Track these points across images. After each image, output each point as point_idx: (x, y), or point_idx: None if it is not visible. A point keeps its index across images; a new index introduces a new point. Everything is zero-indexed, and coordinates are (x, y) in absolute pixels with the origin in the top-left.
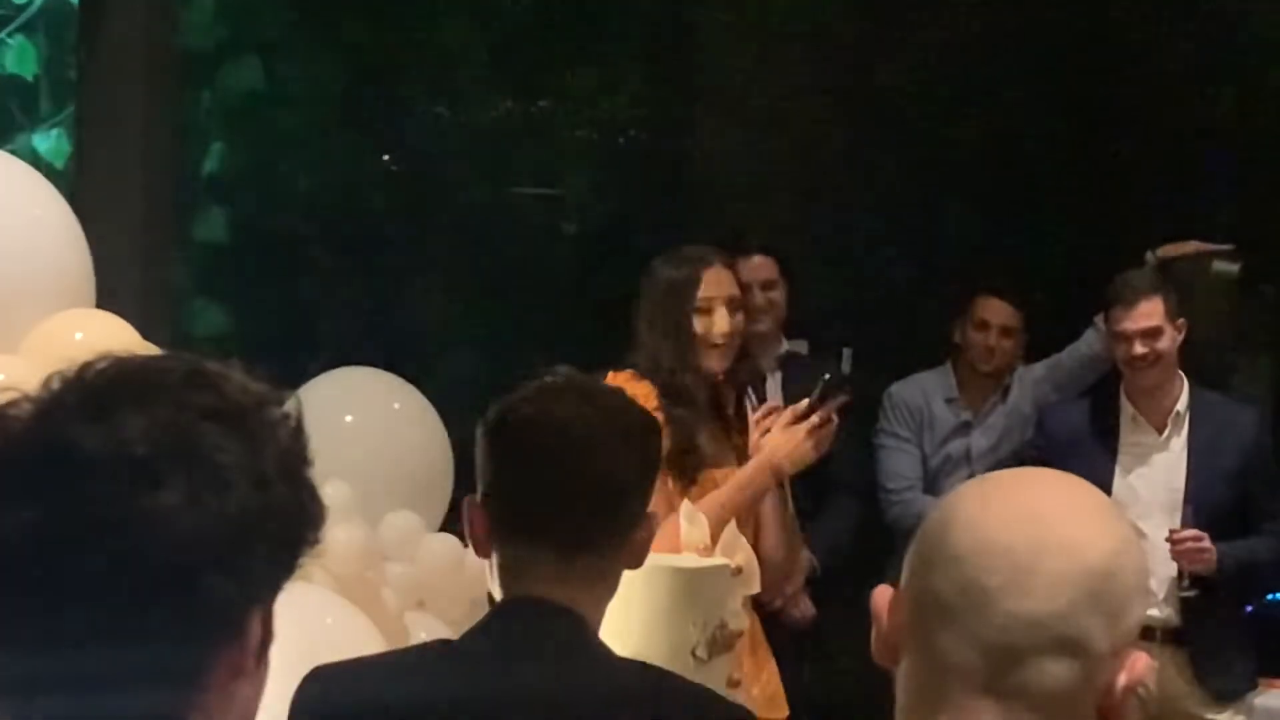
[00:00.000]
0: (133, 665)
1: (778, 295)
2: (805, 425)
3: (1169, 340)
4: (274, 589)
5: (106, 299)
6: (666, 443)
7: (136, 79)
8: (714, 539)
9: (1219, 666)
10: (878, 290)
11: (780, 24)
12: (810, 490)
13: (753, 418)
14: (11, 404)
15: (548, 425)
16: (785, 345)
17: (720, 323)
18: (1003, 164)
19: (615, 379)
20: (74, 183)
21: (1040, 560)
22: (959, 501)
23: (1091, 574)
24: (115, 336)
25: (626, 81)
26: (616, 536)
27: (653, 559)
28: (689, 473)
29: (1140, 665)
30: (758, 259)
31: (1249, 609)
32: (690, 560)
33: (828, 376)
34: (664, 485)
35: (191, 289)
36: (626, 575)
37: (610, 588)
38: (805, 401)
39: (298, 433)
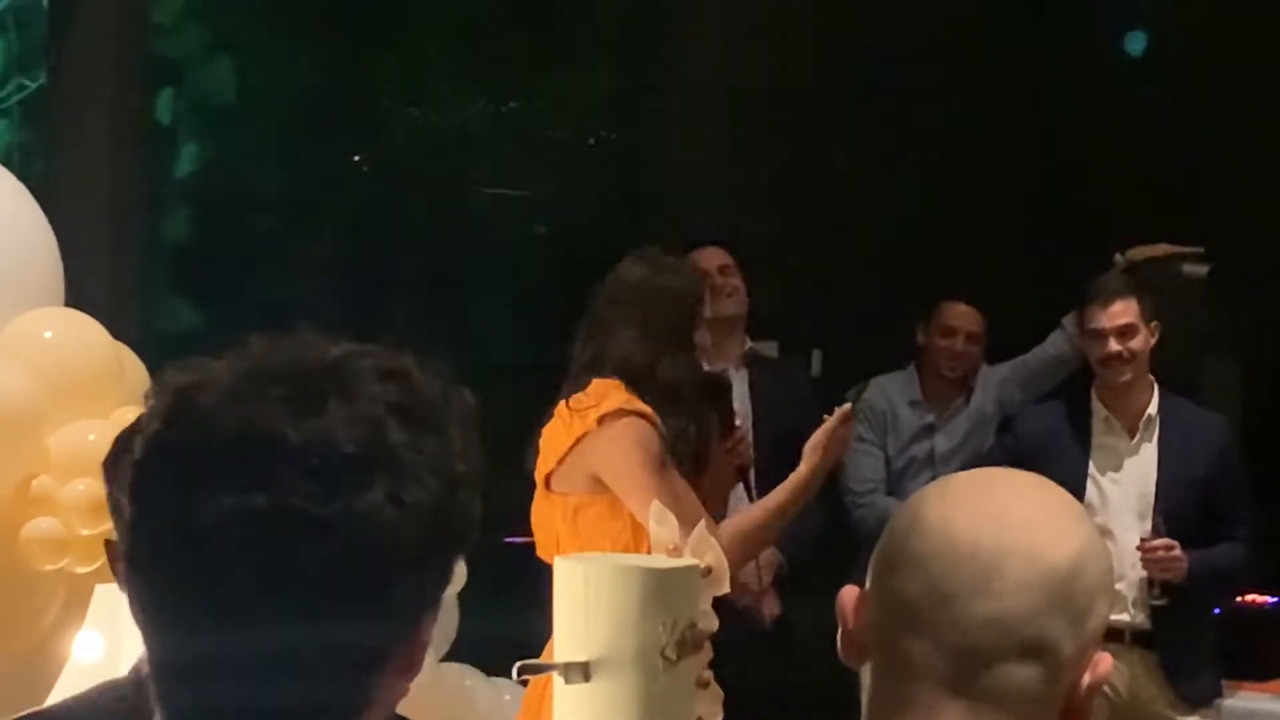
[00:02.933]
0: (317, 658)
1: (737, 281)
2: (848, 427)
3: (1142, 340)
4: (444, 589)
5: (75, 297)
6: (672, 447)
7: (105, 79)
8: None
9: (1188, 669)
10: (847, 293)
11: (750, 25)
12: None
13: (736, 422)
14: (193, 386)
15: None
16: (749, 343)
17: (705, 336)
18: (968, 166)
19: (608, 387)
20: (43, 181)
21: (1004, 563)
22: (923, 504)
23: (1055, 577)
24: (84, 335)
25: (597, 83)
26: None
27: (622, 559)
28: (694, 473)
29: (1103, 666)
30: (710, 249)
31: (1217, 612)
32: (659, 561)
33: (860, 385)
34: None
35: (162, 288)
36: (595, 575)
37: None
38: (848, 405)
39: (473, 429)
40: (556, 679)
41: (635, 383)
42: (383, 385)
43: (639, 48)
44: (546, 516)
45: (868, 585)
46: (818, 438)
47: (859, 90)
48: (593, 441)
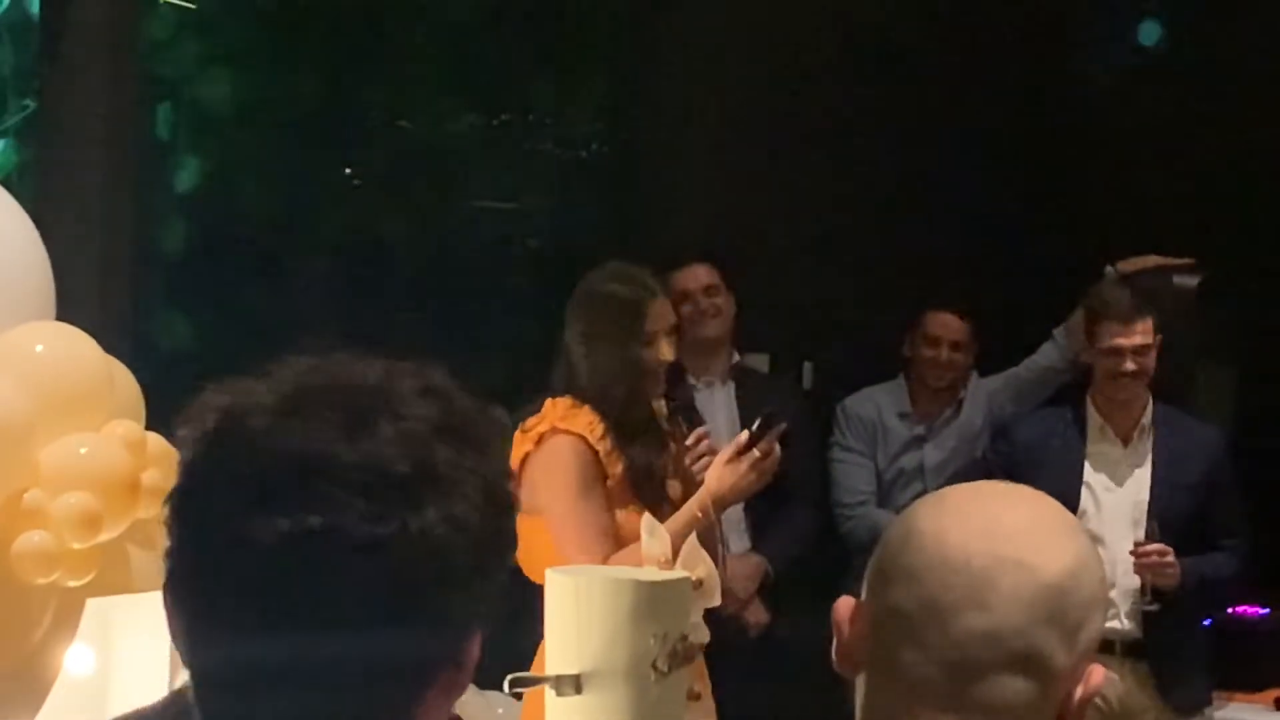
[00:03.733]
0: (368, 677)
1: (721, 301)
2: (749, 458)
3: (1154, 357)
4: (495, 609)
5: (66, 311)
6: (624, 473)
7: (97, 92)
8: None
9: (1179, 680)
10: (837, 305)
11: (742, 39)
12: (767, 501)
13: (688, 442)
14: (239, 408)
15: None
16: (736, 356)
17: (665, 353)
18: (958, 177)
19: (555, 406)
20: (35, 195)
21: (997, 576)
22: (917, 516)
23: (1049, 590)
24: (75, 349)
25: (588, 96)
26: None
27: (613, 571)
28: (648, 494)
29: (1096, 677)
30: (696, 267)
31: (1208, 622)
32: (651, 573)
33: (769, 410)
34: (622, 505)
35: (154, 302)
36: (586, 588)
37: None
38: (745, 434)
39: (506, 446)
40: (549, 691)
41: (584, 399)
42: (426, 404)
43: (631, 61)
44: (525, 539)
45: (863, 596)
46: (687, 463)
47: (850, 103)
48: (530, 461)
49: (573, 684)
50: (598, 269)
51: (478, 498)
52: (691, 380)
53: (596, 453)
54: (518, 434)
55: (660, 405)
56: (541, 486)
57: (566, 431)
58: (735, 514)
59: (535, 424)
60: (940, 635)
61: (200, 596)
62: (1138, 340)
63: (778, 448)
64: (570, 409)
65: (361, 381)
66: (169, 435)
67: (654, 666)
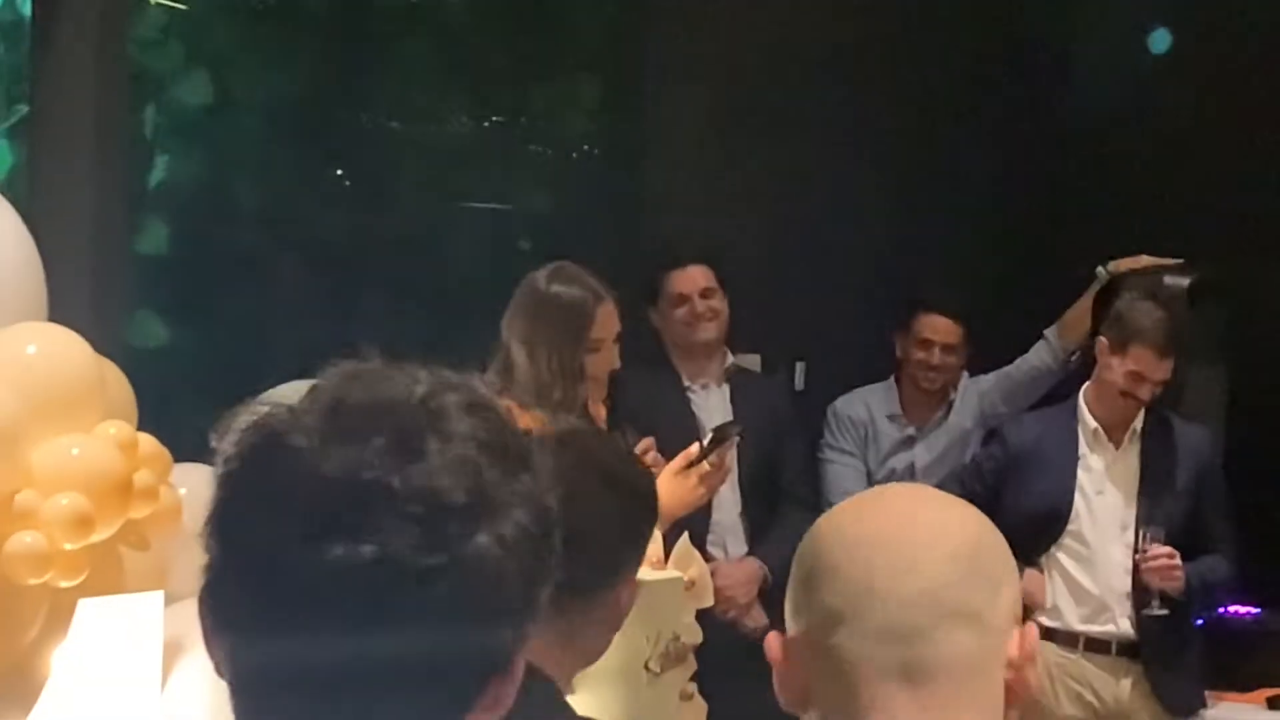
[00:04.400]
0: (412, 694)
1: (718, 303)
2: (698, 470)
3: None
4: (534, 622)
5: (58, 312)
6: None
7: (89, 92)
8: None
9: (1173, 680)
10: (830, 305)
11: (734, 38)
12: (762, 503)
13: (636, 451)
14: (280, 425)
15: None
16: (731, 358)
17: (611, 361)
18: (952, 177)
19: None
20: (26, 195)
21: (915, 542)
22: (821, 525)
23: (964, 547)
24: (67, 349)
25: (581, 96)
26: (592, 596)
27: None
28: None
29: (1031, 636)
30: (693, 269)
31: (1200, 623)
32: (643, 573)
33: (720, 424)
34: None
35: (146, 302)
36: None
37: (583, 654)
38: (696, 446)
39: (545, 461)
40: None
41: (521, 404)
42: (470, 421)
43: (623, 61)
44: None
45: (789, 618)
46: (659, 483)
47: (844, 103)
48: None
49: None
50: (542, 269)
51: (526, 518)
52: (687, 383)
53: None
54: None
55: (599, 410)
56: None
57: None
58: (733, 517)
59: None
60: (875, 611)
61: (245, 615)
62: (1160, 376)
63: (730, 460)
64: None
65: (406, 397)
66: (161, 436)
67: (647, 667)
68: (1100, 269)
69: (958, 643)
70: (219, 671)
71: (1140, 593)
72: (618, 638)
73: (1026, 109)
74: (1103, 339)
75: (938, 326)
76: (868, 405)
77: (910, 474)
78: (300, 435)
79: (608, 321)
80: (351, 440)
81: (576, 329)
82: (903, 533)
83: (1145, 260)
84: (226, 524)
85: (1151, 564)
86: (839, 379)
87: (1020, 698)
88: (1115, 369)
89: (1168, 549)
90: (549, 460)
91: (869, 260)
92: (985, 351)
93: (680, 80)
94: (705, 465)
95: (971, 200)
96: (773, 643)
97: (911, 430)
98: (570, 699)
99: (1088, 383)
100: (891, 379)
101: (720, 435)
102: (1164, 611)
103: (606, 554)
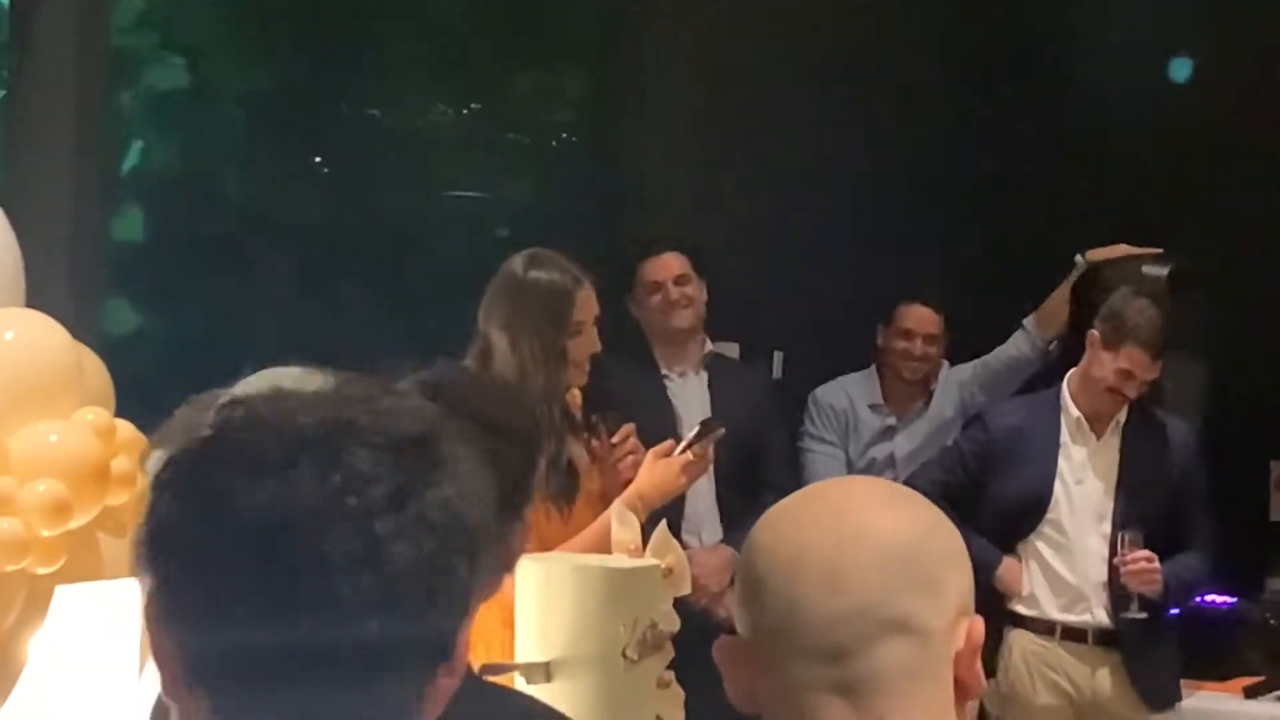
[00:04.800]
0: (389, 658)
1: (692, 290)
2: (680, 460)
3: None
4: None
5: (36, 298)
6: (542, 466)
7: (67, 79)
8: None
9: (1150, 670)
10: (808, 294)
11: (713, 26)
12: (737, 491)
13: (613, 440)
14: (239, 400)
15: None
16: (709, 345)
17: (593, 345)
18: (929, 166)
19: None
20: (3, 181)
21: (843, 553)
22: (757, 531)
23: (896, 555)
24: (45, 336)
25: (560, 85)
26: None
27: (583, 559)
28: (564, 491)
29: (976, 629)
30: (667, 256)
31: (1177, 613)
32: (621, 561)
33: (707, 418)
34: (545, 508)
35: (124, 289)
36: (556, 575)
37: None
38: (670, 442)
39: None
40: (518, 679)
41: None
42: (378, 438)
43: (602, 49)
44: None
45: (735, 624)
46: (642, 470)
47: (821, 91)
48: None
49: (542, 672)
50: (520, 254)
51: (441, 515)
52: (664, 371)
53: None
54: None
55: (575, 395)
56: None
57: None
58: (708, 505)
59: None
60: (808, 628)
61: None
62: (1150, 375)
63: (711, 452)
64: None
65: (314, 419)
66: (138, 422)
67: (624, 654)
68: (1078, 257)
69: (895, 656)
70: (173, 685)
71: (1119, 595)
72: (594, 625)
73: (1008, 100)
74: (1095, 333)
75: (921, 317)
76: (848, 394)
77: (891, 464)
78: (220, 463)
79: (587, 304)
80: (269, 471)
81: (558, 313)
82: (827, 549)
83: (1123, 249)
84: (170, 542)
85: (1130, 568)
86: (816, 368)
87: (972, 691)
88: (1106, 365)
89: (1146, 553)
90: (463, 449)
91: (847, 250)
92: (964, 341)
93: (664, 70)
94: (689, 454)
95: (951, 188)
96: (722, 649)
97: (892, 420)
98: (548, 687)
99: (1072, 371)
100: (872, 368)
101: (706, 428)
102: (1143, 615)
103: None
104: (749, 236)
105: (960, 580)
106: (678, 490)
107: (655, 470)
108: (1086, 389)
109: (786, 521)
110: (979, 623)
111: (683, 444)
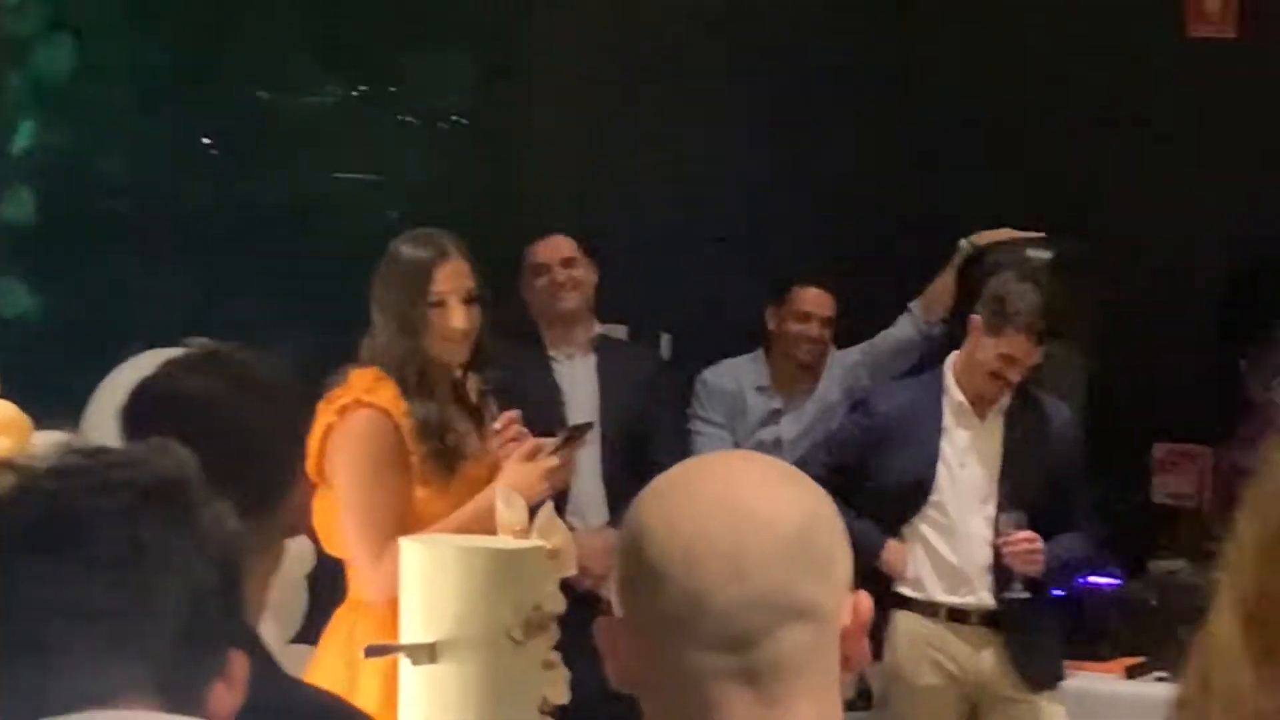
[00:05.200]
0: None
1: (580, 273)
2: (542, 466)
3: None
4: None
5: None
6: (418, 441)
7: None
8: None
9: (1033, 651)
10: (696, 276)
11: (606, 11)
12: (624, 472)
13: (495, 426)
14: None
15: (176, 398)
16: (598, 327)
17: (454, 318)
18: (819, 148)
19: (361, 377)
20: None
21: (741, 542)
22: (645, 513)
23: (791, 542)
24: None
25: (451, 66)
26: (266, 505)
27: (467, 540)
28: (445, 469)
29: (864, 604)
30: (555, 238)
31: (1060, 594)
32: (506, 542)
33: (577, 423)
34: (423, 482)
35: (4, 271)
36: (440, 557)
37: (272, 558)
38: (532, 442)
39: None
40: (403, 660)
41: (385, 369)
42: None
43: (495, 30)
44: (323, 512)
45: (616, 608)
46: (505, 469)
47: (717, 75)
48: (332, 433)
49: (427, 653)
50: (405, 234)
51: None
52: (551, 353)
53: (399, 427)
54: (321, 404)
55: (473, 380)
56: (335, 462)
57: (370, 405)
58: (593, 487)
59: (340, 395)
60: (708, 619)
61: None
62: (1032, 360)
63: (574, 459)
64: (376, 380)
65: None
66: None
67: (509, 636)
68: (963, 241)
69: (796, 641)
70: None
71: (1001, 577)
72: (479, 606)
73: (899, 79)
74: (976, 318)
75: (818, 300)
76: (736, 377)
77: (778, 446)
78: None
79: (451, 278)
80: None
81: (415, 286)
82: (726, 533)
83: (1007, 233)
84: None
85: (1012, 549)
86: (706, 351)
87: (855, 664)
88: (988, 349)
89: (1028, 533)
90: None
91: (735, 231)
92: (852, 324)
93: (554, 51)
94: (554, 460)
95: (839, 171)
96: (603, 630)
97: (778, 403)
98: (434, 668)
99: (955, 353)
100: (760, 351)
101: (571, 434)
102: (1025, 595)
103: (264, 466)
104: (639, 219)
105: (846, 557)
106: (540, 495)
107: (518, 473)
108: (969, 373)
109: (677, 506)
110: (866, 597)
111: (549, 447)
